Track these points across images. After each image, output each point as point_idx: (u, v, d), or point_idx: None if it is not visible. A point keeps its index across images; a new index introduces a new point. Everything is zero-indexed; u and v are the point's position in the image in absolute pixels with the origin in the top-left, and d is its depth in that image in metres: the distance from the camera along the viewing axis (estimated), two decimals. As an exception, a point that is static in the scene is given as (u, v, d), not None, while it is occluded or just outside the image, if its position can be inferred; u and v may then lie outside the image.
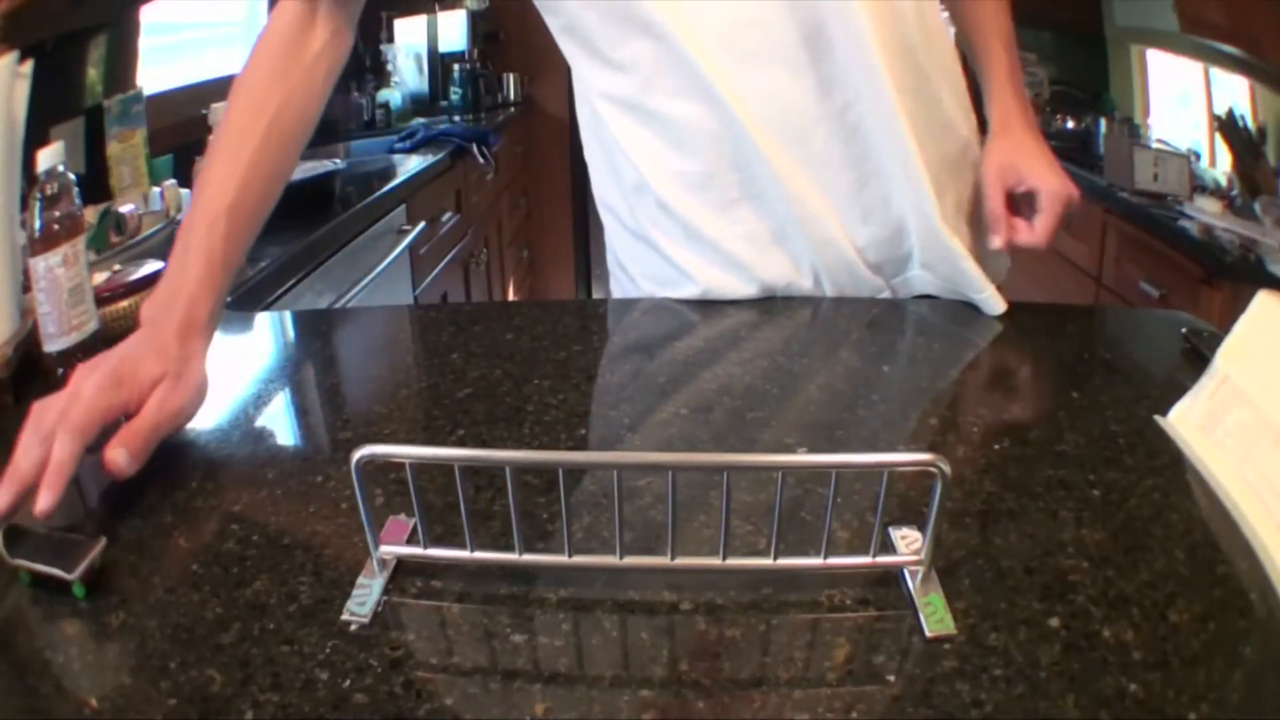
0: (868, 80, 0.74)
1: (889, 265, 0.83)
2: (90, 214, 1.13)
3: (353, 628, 0.43)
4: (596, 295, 3.60)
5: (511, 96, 3.42)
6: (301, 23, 0.76)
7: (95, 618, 0.45)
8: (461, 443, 0.60)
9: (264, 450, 0.61)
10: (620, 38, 0.76)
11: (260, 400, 0.68)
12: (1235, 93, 2.22)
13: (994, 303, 0.79)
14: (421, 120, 2.79)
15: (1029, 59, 2.93)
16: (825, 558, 0.45)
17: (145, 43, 1.66)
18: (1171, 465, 0.56)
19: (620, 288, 0.92)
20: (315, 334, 0.85)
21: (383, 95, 2.76)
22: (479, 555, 0.46)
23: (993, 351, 0.77)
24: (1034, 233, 0.78)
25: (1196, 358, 0.68)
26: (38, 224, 0.67)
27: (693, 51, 0.73)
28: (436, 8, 3.20)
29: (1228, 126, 2.19)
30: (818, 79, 0.74)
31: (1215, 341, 0.62)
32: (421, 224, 1.97)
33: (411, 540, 0.48)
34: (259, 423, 0.65)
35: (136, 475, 0.54)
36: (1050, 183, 0.78)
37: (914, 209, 0.78)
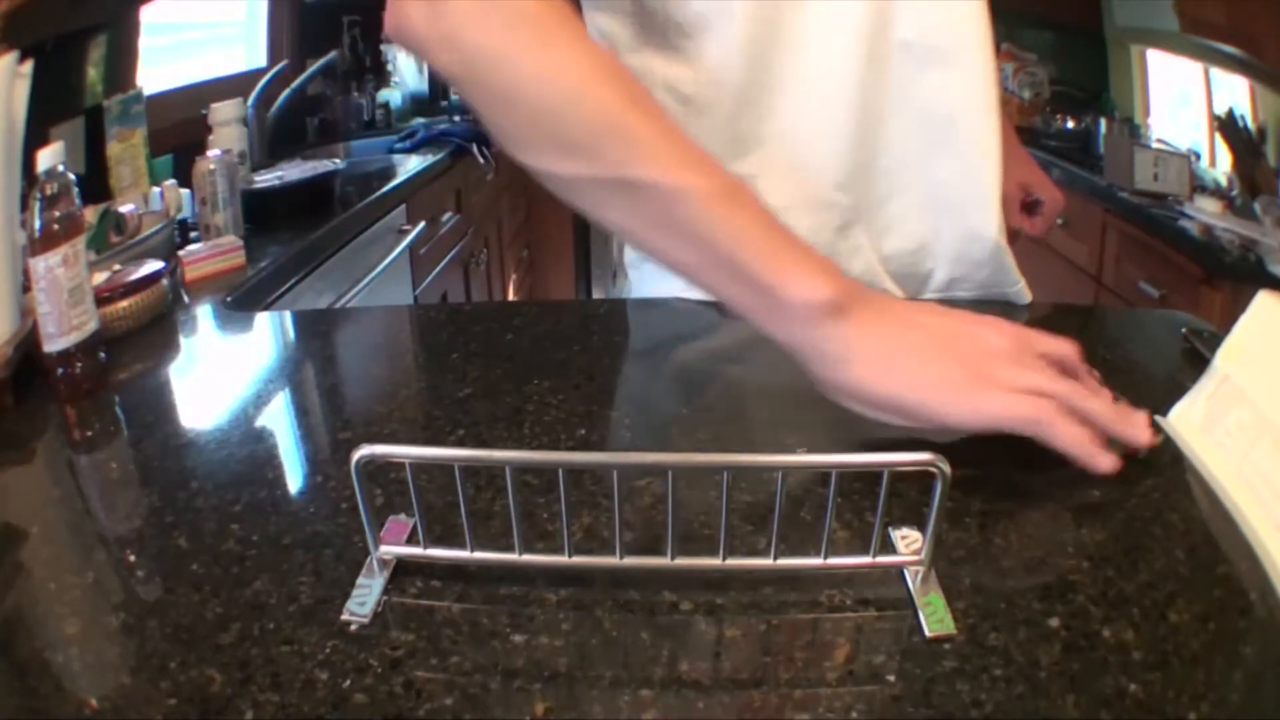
0: (974, 86, 0.74)
1: (908, 280, 0.83)
2: (90, 214, 1.13)
3: (353, 628, 0.43)
4: (596, 295, 3.60)
5: (512, 97, 3.41)
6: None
7: (95, 618, 0.45)
8: (461, 443, 0.60)
9: (264, 450, 0.61)
10: (694, 26, 0.72)
11: (260, 400, 0.68)
12: (1235, 93, 2.21)
13: (1026, 293, 0.84)
14: (422, 120, 2.78)
15: (1029, 59, 2.93)
16: (825, 558, 0.45)
17: (145, 43, 1.66)
18: (1171, 465, 0.56)
19: (630, 284, 0.91)
20: (315, 334, 0.85)
21: (383, 95, 2.75)
22: (479, 555, 0.46)
23: (993, 351, 0.77)
24: (1034, 228, 1.00)
25: (1196, 358, 0.68)
26: (38, 224, 0.67)
27: (751, 63, 0.72)
28: (437, 8, 3.19)
29: (1228, 126, 2.19)
30: (873, 94, 0.74)
31: (1215, 341, 0.62)
32: (421, 224, 1.96)
33: (411, 540, 0.48)
34: (259, 423, 0.65)
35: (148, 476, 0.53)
36: (1052, 192, 0.99)
37: (977, 213, 0.78)
